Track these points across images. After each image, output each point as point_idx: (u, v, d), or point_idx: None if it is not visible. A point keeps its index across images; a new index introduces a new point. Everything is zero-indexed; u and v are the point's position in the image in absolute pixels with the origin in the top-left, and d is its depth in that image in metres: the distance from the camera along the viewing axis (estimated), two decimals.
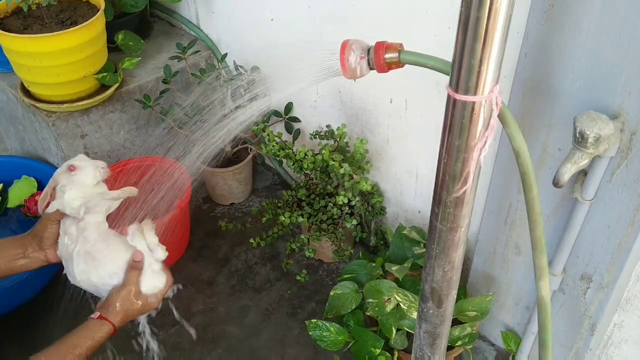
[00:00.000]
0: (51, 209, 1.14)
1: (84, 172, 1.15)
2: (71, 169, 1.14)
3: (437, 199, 0.80)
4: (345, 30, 1.47)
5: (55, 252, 1.14)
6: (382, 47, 0.78)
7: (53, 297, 1.69)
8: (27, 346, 1.62)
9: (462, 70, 0.67)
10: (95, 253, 1.11)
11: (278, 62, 1.74)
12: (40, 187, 1.91)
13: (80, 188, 1.14)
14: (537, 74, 1.05)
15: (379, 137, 1.60)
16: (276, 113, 1.84)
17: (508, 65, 1.12)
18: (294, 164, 1.63)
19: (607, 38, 0.91)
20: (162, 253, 1.18)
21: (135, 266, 1.11)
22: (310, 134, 1.70)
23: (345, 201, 1.58)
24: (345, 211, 1.66)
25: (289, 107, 1.83)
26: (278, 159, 1.70)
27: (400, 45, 0.78)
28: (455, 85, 0.69)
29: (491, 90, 0.68)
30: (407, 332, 1.32)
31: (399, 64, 0.78)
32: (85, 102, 1.71)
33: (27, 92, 1.75)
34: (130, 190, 1.22)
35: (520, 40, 1.04)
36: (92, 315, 1.07)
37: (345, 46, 0.79)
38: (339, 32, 1.49)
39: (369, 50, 0.79)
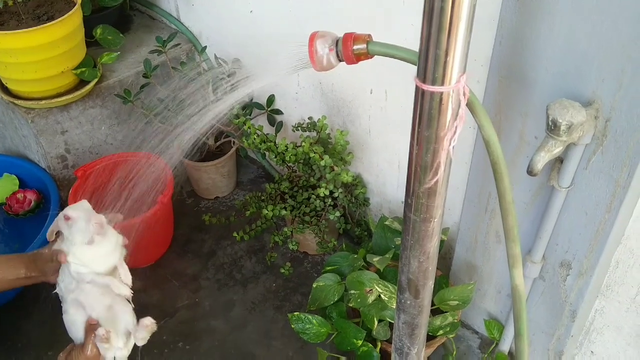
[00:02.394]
0: (57, 246, 1.12)
1: (76, 226, 1.07)
2: (65, 218, 1.08)
3: (410, 190, 0.80)
4: (324, 21, 1.46)
5: (56, 278, 1.14)
6: (350, 38, 0.77)
7: (35, 297, 1.68)
8: (9, 346, 1.62)
9: (428, 61, 0.67)
10: (83, 302, 1.08)
11: (258, 54, 1.73)
12: (22, 184, 1.90)
13: (81, 252, 1.07)
14: (512, 61, 1.04)
15: (360, 128, 1.59)
16: (258, 105, 1.83)
17: (484, 53, 1.12)
18: (276, 157, 1.62)
19: (580, 25, 0.91)
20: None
21: (92, 329, 1.07)
22: (292, 126, 1.69)
23: (327, 193, 1.57)
24: (329, 203, 1.65)
25: (270, 99, 1.82)
26: (260, 152, 1.69)
27: (369, 36, 0.78)
28: (422, 76, 0.69)
29: (458, 80, 0.67)
30: (390, 322, 1.32)
31: (367, 55, 0.77)
32: (64, 97, 1.69)
33: (5, 89, 1.73)
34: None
35: (495, 28, 1.04)
36: None
37: (313, 38, 0.78)
38: (318, 24, 1.48)
39: (337, 42, 0.78)
